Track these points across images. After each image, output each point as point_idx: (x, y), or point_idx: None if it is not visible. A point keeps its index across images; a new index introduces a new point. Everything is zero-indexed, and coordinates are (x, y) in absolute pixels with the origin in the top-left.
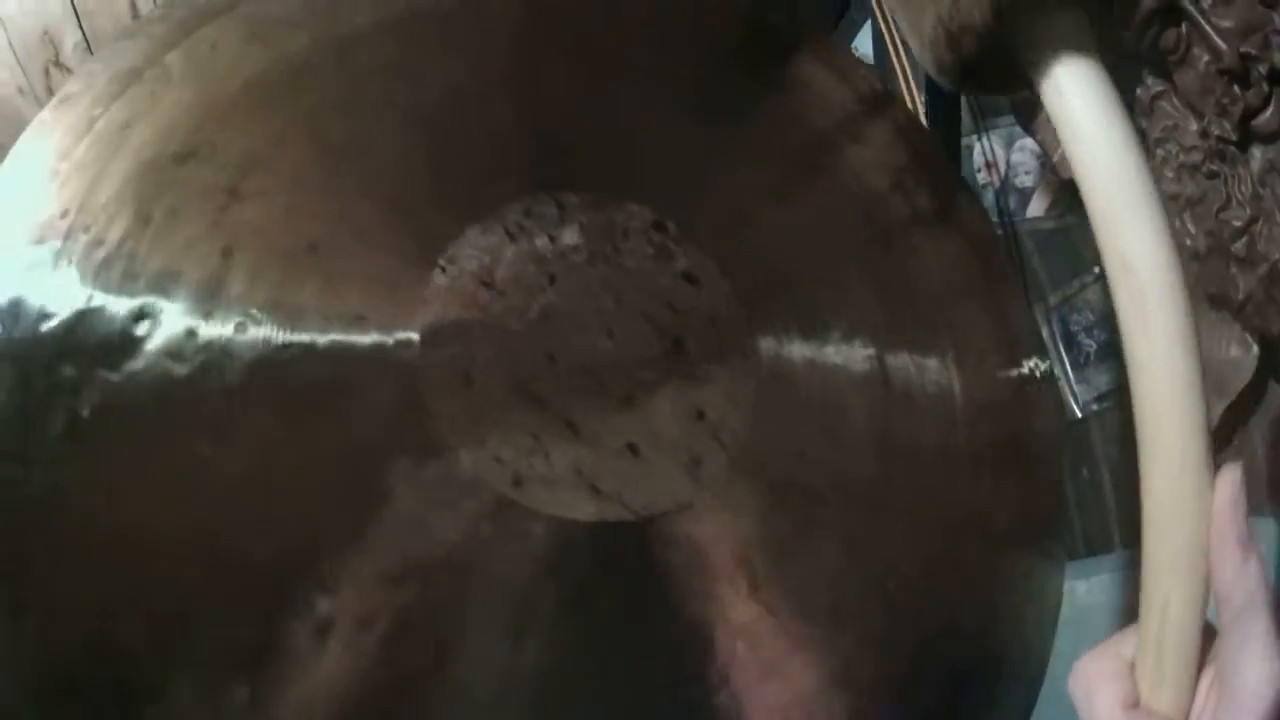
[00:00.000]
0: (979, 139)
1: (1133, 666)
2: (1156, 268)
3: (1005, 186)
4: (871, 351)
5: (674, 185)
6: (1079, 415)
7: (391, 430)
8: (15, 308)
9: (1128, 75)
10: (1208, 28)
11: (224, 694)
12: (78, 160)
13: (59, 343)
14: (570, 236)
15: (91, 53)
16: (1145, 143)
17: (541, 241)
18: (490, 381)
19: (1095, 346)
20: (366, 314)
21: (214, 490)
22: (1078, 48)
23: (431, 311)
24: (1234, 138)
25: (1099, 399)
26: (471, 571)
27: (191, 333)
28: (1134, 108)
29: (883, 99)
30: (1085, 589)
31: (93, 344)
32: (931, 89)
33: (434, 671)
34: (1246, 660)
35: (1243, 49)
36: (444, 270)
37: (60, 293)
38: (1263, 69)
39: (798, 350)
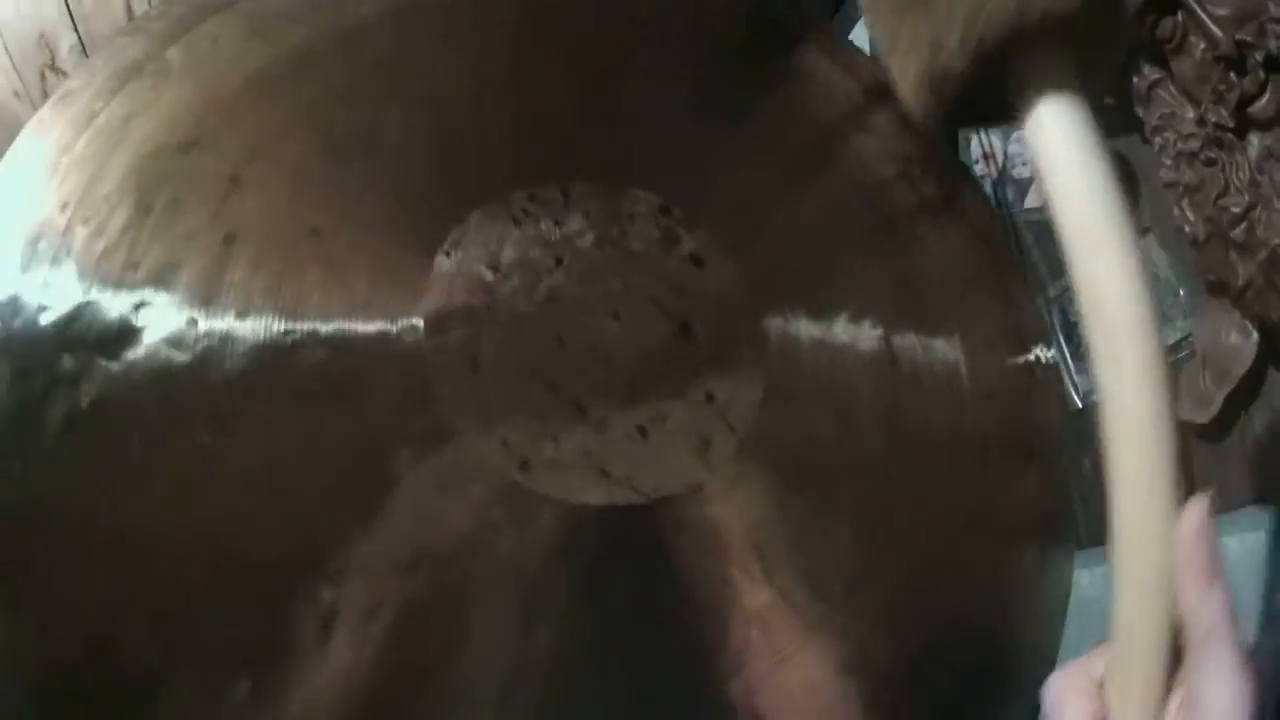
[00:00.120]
0: (976, 131)
1: (1102, 685)
2: (1129, 306)
3: (1003, 178)
4: (879, 332)
5: (680, 173)
6: (1080, 406)
7: (397, 416)
8: (14, 302)
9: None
10: (1204, 16)
11: (227, 690)
12: (78, 154)
13: (59, 335)
14: (576, 221)
15: (88, 56)
16: (1143, 131)
17: (547, 226)
18: (497, 365)
19: None
20: (371, 300)
21: (216, 482)
22: (1059, 87)
23: (436, 296)
24: (1231, 125)
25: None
26: (480, 558)
27: (193, 321)
28: (1131, 96)
29: (887, 89)
30: (1089, 579)
31: (92, 335)
32: None
33: (442, 662)
34: (1213, 683)
35: (1239, 36)
36: (448, 255)
37: (60, 286)
38: (1259, 56)
39: (805, 331)
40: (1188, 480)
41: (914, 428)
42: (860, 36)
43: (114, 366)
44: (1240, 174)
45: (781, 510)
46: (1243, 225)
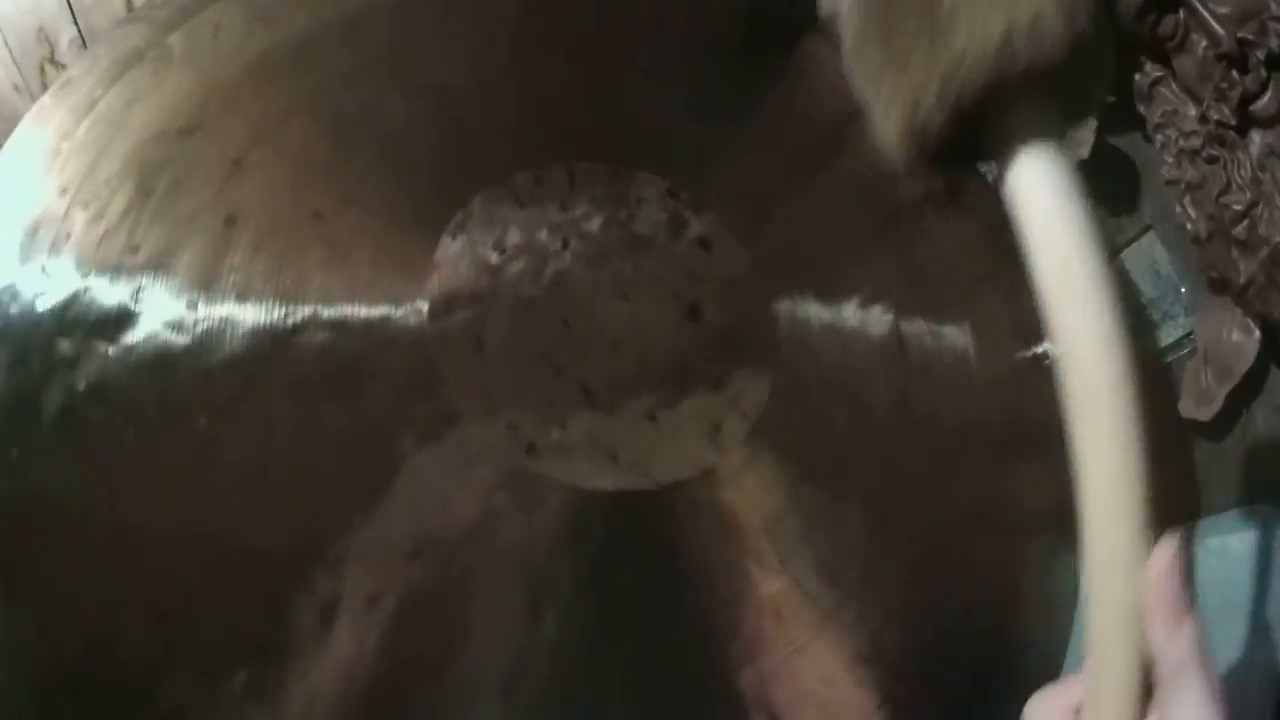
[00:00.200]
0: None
1: (1079, 712)
2: (1104, 361)
3: None
4: (889, 318)
5: (685, 160)
6: None
7: (400, 400)
8: (12, 289)
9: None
10: (1205, 14)
11: (227, 684)
12: (79, 141)
13: (56, 320)
14: (582, 204)
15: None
16: (1144, 128)
17: (553, 208)
18: (502, 348)
19: None
20: (374, 282)
21: (214, 471)
22: (1039, 138)
23: (441, 279)
24: (1233, 122)
25: None
26: (485, 545)
27: (192, 304)
28: (1133, 94)
29: None
30: None
31: (90, 319)
32: None
33: (446, 652)
34: (1183, 715)
35: (1240, 34)
36: (453, 238)
37: (59, 271)
38: (1260, 54)
39: (815, 315)
40: (1160, 519)
41: (923, 415)
42: None
43: (111, 350)
44: (1242, 172)
45: (794, 497)
46: (1244, 223)
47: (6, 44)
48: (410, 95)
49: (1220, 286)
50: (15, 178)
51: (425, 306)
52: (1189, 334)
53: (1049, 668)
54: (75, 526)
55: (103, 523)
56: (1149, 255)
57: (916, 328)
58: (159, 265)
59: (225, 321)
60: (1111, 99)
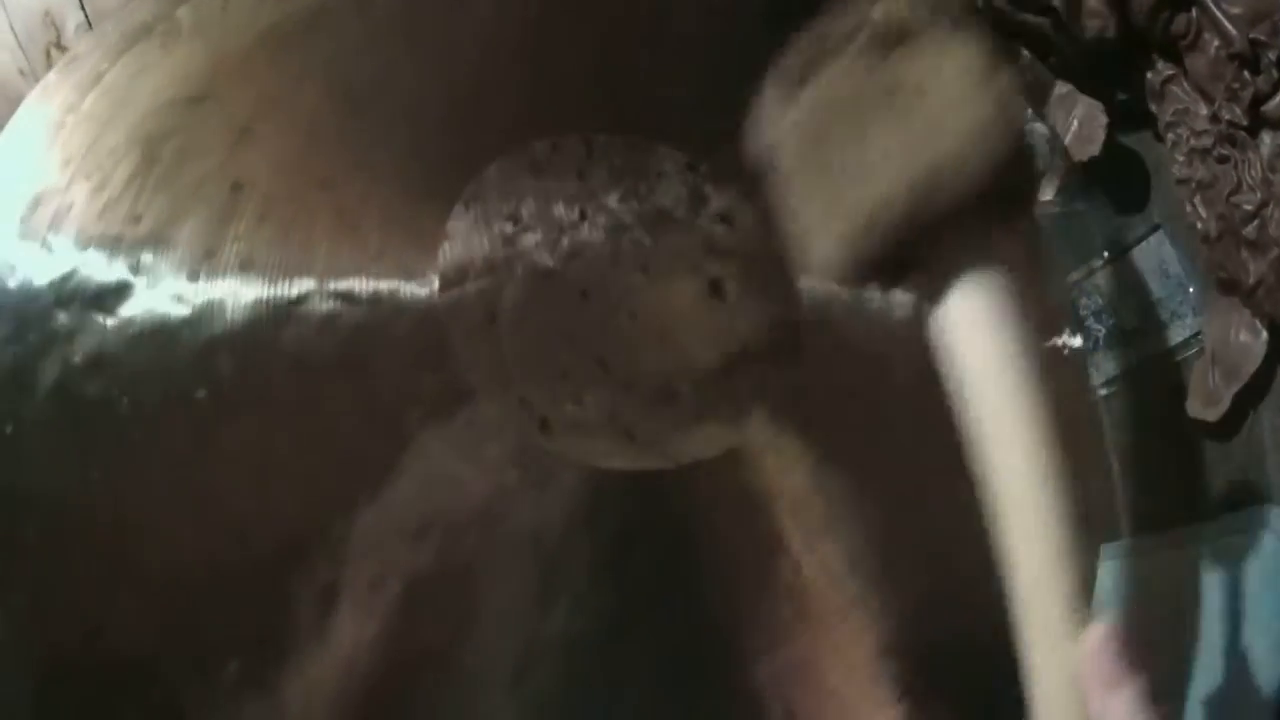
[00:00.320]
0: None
1: None
2: (1030, 483)
3: None
4: (911, 299)
5: (705, 134)
6: (1091, 400)
7: (408, 372)
8: (11, 262)
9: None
10: (1218, 13)
11: (222, 672)
12: (84, 112)
13: (55, 292)
14: (600, 174)
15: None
16: (1155, 127)
17: (570, 179)
18: (516, 320)
19: (1104, 331)
20: (384, 251)
21: (213, 448)
22: (968, 264)
23: (453, 248)
24: (1244, 123)
25: (1107, 384)
26: (495, 527)
27: (194, 274)
28: (1144, 92)
29: None
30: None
31: (90, 290)
32: None
33: (452, 639)
34: None
35: (1252, 35)
36: (467, 207)
37: (59, 243)
38: (1272, 55)
39: (838, 295)
40: (1088, 601)
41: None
42: None
43: (110, 322)
44: (1253, 172)
45: (817, 480)
46: (1255, 223)
47: (13, 28)
48: (424, 63)
49: (1229, 287)
50: (18, 152)
51: (436, 276)
52: (1197, 334)
53: None
54: (69, 508)
55: (97, 503)
56: (1158, 254)
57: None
58: (161, 235)
59: (228, 292)
60: (1123, 96)
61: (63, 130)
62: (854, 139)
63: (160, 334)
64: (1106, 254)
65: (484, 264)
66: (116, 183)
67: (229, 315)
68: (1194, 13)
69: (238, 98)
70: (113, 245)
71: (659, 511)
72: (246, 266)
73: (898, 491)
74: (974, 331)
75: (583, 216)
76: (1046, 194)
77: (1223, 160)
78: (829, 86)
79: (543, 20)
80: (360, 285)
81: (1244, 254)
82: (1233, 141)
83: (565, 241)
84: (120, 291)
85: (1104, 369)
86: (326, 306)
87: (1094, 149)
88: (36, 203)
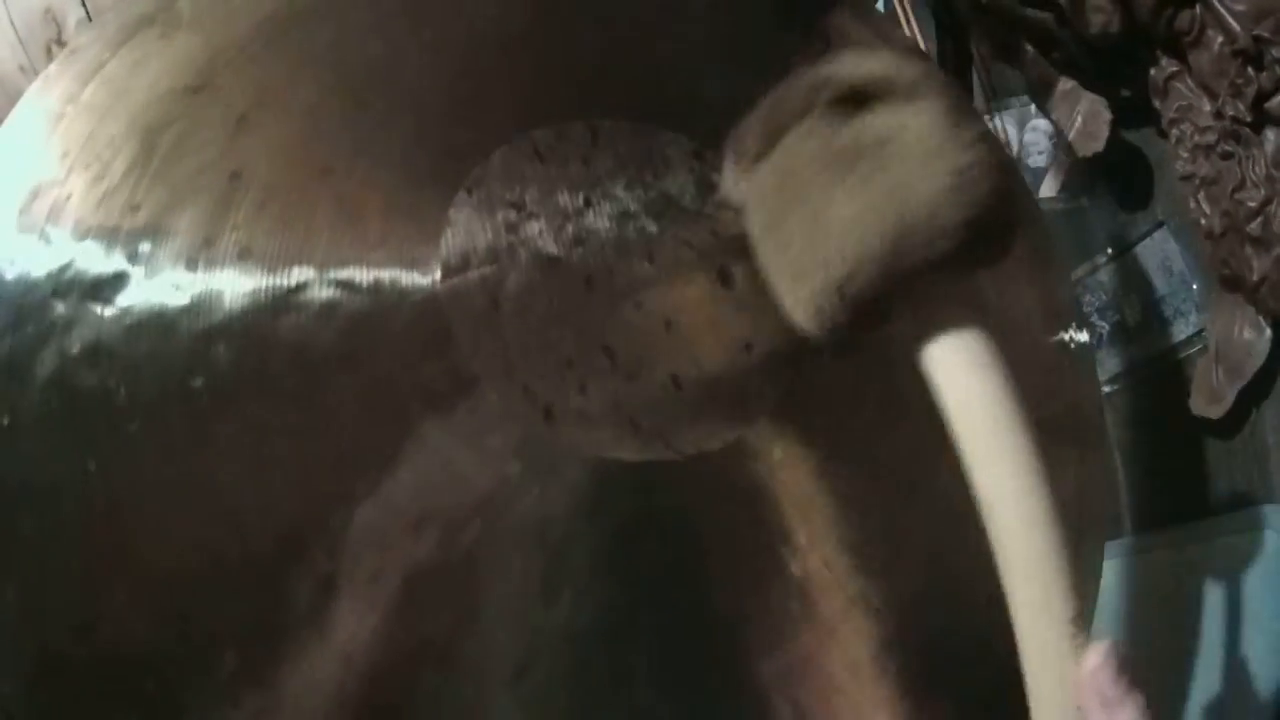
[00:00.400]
0: (991, 119)
1: None
2: (1019, 513)
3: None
4: None
5: (712, 121)
6: None
7: (410, 360)
8: (10, 253)
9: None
10: (1222, 10)
11: (218, 666)
12: (84, 103)
13: (53, 283)
14: (606, 161)
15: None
16: (1159, 123)
17: (575, 165)
18: (519, 308)
19: (1108, 328)
20: (385, 238)
21: (210, 436)
22: (948, 313)
23: (456, 235)
24: (1248, 119)
25: (1110, 381)
26: (497, 519)
27: (192, 263)
28: (1148, 88)
29: (922, 56)
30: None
31: (87, 280)
32: (943, 65)
33: (453, 633)
34: None
35: (1256, 32)
36: (470, 192)
37: (58, 233)
38: (1276, 52)
39: None
40: (1087, 625)
41: None
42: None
43: (107, 312)
44: (1256, 168)
45: (823, 473)
46: (1258, 220)
47: (13, 25)
48: (427, 49)
49: (1233, 283)
50: (17, 144)
51: (438, 264)
52: (1200, 331)
53: None
54: (65, 499)
55: (93, 494)
56: (1161, 251)
57: None
58: (159, 224)
59: (226, 281)
60: (1127, 93)
61: (62, 121)
62: (821, 202)
63: (158, 324)
64: (1110, 250)
65: (487, 251)
66: (115, 173)
67: (227, 304)
68: (1198, 9)
69: (237, 85)
70: (110, 235)
71: (664, 504)
72: (245, 255)
73: (902, 486)
74: (958, 374)
75: (587, 204)
76: (1050, 190)
77: (1226, 157)
78: (792, 153)
79: (547, 3)
80: (361, 273)
81: (1248, 250)
82: (1237, 138)
83: (570, 229)
84: (118, 281)
85: (1107, 366)
86: (326, 295)
87: (1098, 145)
88: (35, 194)
